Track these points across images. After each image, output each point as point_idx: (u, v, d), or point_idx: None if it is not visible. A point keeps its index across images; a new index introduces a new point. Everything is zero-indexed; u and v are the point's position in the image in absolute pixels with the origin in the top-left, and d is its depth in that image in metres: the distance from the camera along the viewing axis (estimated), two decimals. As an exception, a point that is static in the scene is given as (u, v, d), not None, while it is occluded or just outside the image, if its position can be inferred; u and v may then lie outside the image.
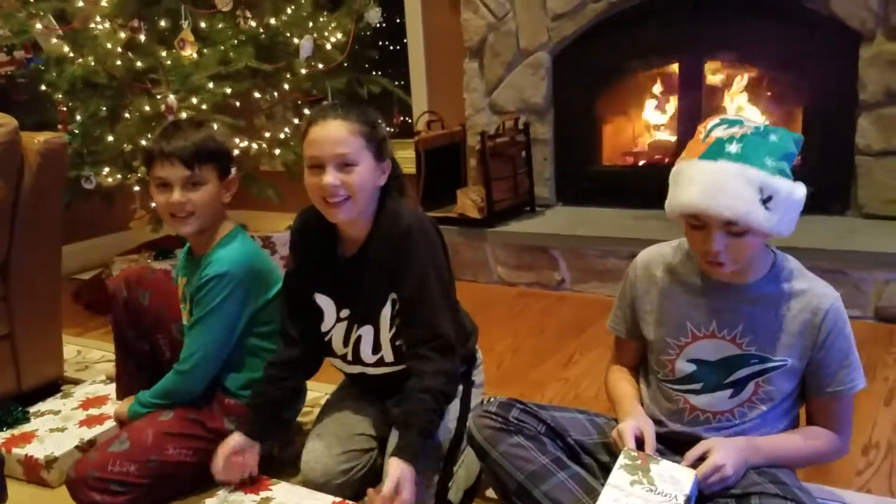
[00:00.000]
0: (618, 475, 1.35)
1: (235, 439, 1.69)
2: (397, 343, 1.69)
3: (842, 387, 1.41)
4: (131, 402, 1.87)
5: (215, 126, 1.90)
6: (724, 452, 1.34)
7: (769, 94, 3.35)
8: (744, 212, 1.28)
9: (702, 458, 1.36)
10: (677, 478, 1.33)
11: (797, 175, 1.36)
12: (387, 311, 1.66)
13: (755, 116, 3.40)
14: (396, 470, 1.48)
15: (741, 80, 3.39)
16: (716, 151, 1.32)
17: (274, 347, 1.81)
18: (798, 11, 3.00)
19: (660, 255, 1.53)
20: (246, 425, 1.72)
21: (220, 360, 1.82)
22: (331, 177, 1.55)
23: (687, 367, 1.47)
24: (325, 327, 1.76)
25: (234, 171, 1.85)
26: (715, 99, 3.44)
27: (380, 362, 1.73)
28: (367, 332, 1.71)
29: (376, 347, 1.71)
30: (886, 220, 2.95)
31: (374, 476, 1.69)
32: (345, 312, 1.73)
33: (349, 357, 1.76)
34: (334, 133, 1.56)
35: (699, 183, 1.31)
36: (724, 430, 1.44)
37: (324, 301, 1.74)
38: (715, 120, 1.39)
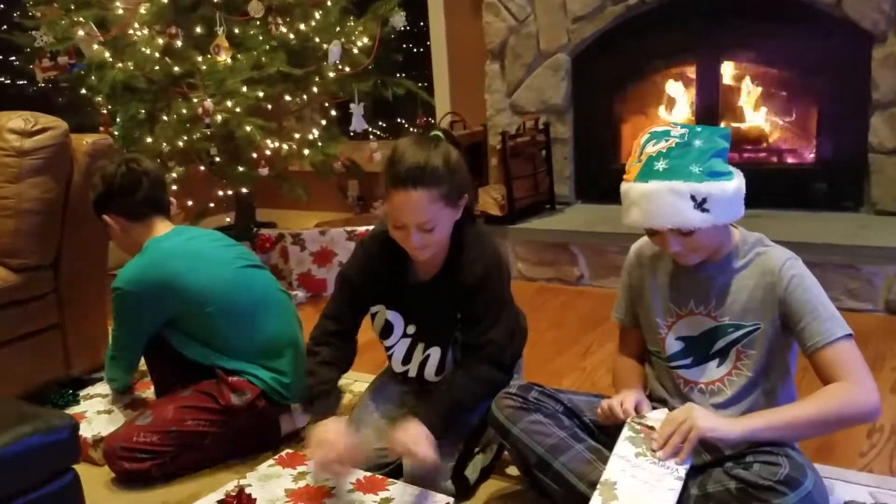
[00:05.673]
0: (623, 446, 1.45)
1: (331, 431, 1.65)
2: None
3: (820, 337, 1.43)
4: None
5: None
6: (699, 412, 1.41)
7: (784, 94, 3.43)
8: (681, 220, 1.42)
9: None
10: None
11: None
12: (458, 334, 1.79)
13: (758, 118, 3.48)
14: (417, 428, 1.62)
15: (756, 81, 3.47)
16: (647, 172, 1.45)
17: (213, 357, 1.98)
18: (812, 13, 3.08)
19: (648, 243, 1.65)
20: (319, 413, 1.71)
21: (131, 354, 2.07)
22: (415, 239, 1.65)
23: (676, 345, 1.59)
24: (389, 342, 1.88)
25: (103, 217, 2.04)
26: (731, 99, 3.52)
27: (442, 381, 1.83)
28: (435, 352, 1.83)
29: (441, 368, 1.83)
30: (899, 216, 3.02)
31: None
32: (411, 328, 1.85)
33: (410, 374, 1.88)
34: (415, 204, 1.62)
35: (637, 205, 1.46)
36: (718, 400, 1.54)
37: (393, 316, 1.85)
38: (646, 135, 1.52)
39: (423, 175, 1.61)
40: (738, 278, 1.52)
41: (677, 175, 1.42)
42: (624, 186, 1.51)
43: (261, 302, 2.02)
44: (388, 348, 1.89)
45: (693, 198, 1.41)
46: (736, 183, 1.45)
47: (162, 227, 2.04)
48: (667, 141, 1.47)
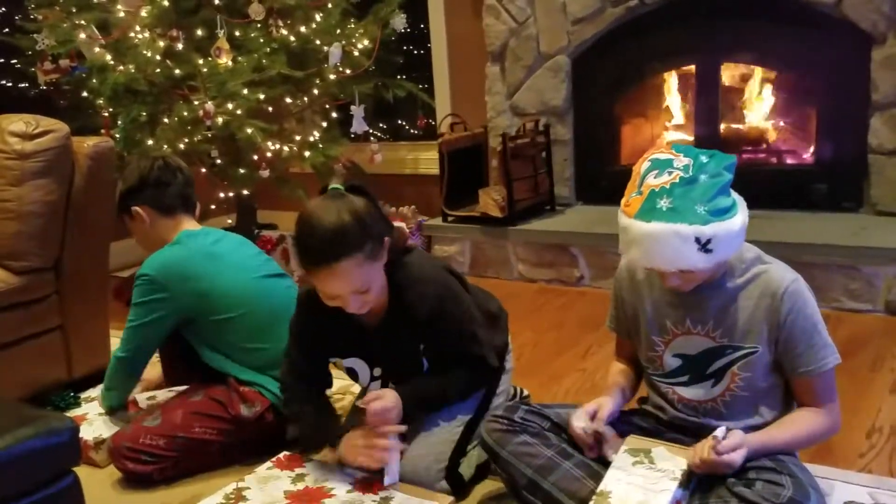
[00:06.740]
0: (621, 458, 1.46)
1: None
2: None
3: (812, 366, 1.45)
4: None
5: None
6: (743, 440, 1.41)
7: (784, 95, 3.43)
8: (684, 263, 1.38)
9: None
10: (676, 457, 1.44)
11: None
12: (426, 366, 1.78)
13: (763, 121, 3.48)
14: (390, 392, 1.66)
15: (756, 82, 3.48)
16: (648, 210, 1.38)
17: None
18: (811, 14, 3.08)
19: None
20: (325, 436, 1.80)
21: (140, 356, 2.00)
22: (354, 303, 1.61)
23: (673, 362, 1.56)
24: (361, 384, 1.87)
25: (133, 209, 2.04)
26: (731, 100, 3.53)
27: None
28: None
29: None
30: (899, 217, 3.02)
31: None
32: (378, 371, 1.82)
33: None
34: (343, 276, 1.55)
35: (639, 245, 1.40)
36: (713, 419, 1.53)
37: (355, 363, 1.82)
38: (646, 163, 1.44)
39: (342, 244, 1.53)
40: (737, 299, 1.48)
41: (682, 217, 1.35)
42: (624, 221, 1.43)
43: (279, 314, 1.96)
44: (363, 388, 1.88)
45: (697, 240, 1.35)
46: (741, 218, 1.40)
47: (189, 226, 2.05)
48: (670, 174, 1.38)
